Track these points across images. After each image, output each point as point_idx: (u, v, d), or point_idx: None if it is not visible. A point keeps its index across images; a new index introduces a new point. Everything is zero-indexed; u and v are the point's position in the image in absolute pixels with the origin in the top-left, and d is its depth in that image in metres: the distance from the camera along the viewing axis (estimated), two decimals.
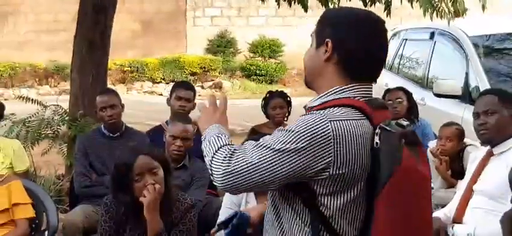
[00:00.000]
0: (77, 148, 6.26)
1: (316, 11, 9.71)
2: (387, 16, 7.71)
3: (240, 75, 21.64)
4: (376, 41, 2.55)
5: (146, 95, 20.04)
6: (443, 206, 4.89)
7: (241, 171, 2.35)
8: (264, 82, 20.94)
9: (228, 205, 4.99)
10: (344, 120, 2.40)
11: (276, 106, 7.04)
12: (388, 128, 2.42)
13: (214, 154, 2.42)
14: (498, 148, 4.52)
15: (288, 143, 2.35)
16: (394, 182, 2.36)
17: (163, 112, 7.42)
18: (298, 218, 2.46)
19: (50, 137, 8.11)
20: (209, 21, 22.81)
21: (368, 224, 2.42)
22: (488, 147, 4.61)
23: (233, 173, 2.35)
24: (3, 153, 5.99)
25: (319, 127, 2.36)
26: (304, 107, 2.59)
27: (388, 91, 7.14)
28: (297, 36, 21.35)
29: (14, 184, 5.20)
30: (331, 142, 2.36)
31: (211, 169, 2.42)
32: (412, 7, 8.03)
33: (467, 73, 7.82)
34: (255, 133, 6.46)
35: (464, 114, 7.06)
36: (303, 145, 2.34)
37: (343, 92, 2.50)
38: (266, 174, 2.34)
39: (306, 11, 8.97)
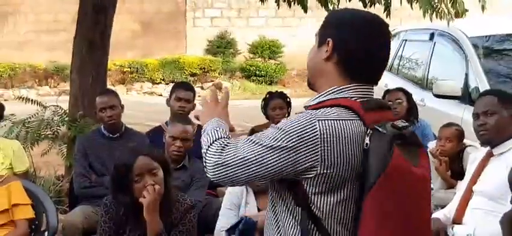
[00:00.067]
0: (76, 149, 6.25)
1: (316, 12, 9.77)
2: (387, 17, 7.71)
3: (240, 75, 21.65)
4: (378, 43, 2.55)
5: (146, 96, 20.05)
6: (442, 207, 4.90)
7: (231, 164, 2.41)
8: (263, 83, 20.95)
9: (227, 206, 5.00)
10: (333, 119, 2.41)
11: (276, 107, 7.04)
12: (380, 129, 2.41)
13: (209, 145, 2.47)
14: (498, 149, 4.52)
15: (277, 140, 2.39)
16: (382, 183, 2.35)
17: (163, 113, 7.42)
18: (291, 216, 2.48)
19: (49, 138, 8.10)
20: (209, 22, 22.82)
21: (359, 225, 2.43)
22: (488, 148, 4.61)
23: (223, 165, 2.41)
24: (3, 154, 6.00)
25: (307, 126, 2.39)
26: (305, 107, 2.60)
27: (387, 92, 7.14)
28: (297, 37, 21.39)
29: (14, 185, 5.20)
30: (318, 142, 2.37)
31: (205, 160, 2.48)
32: (411, 8, 8.04)
33: (466, 74, 7.82)
34: None
35: (464, 115, 7.06)
36: (290, 143, 2.38)
37: (341, 92, 2.50)
38: (254, 169, 2.39)
39: (305, 11, 8.98)
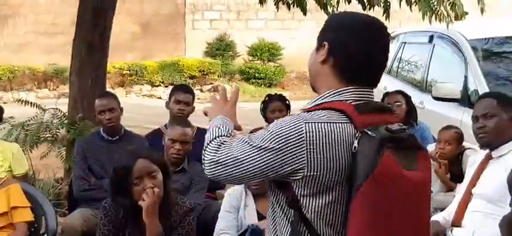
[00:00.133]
0: (75, 152, 6.25)
1: (315, 15, 9.77)
2: (386, 19, 7.70)
3: (239, 78, 21.65)
4: (375, 45, 2.55)
5: (145, 98, 20.04)
6: (442, 209, 4.89)
7: (225, 162, 2.46)
8: (263, 86, 20.95)
9: (226, 209, 4.99)
10: (321, 122, 2.42)
11: (275, 109, 7.03)
12: (369, 132, 2.40)
13: (208, 143, 2.54)
14: (497, 151, 4.52)
15: (265, 141, 2.43)
16: (369, 186, 2.35)
17: (162, 115, 7.42)
18: (285, 217, 2.50)
19: (48, 140, 8.10)
20: (208, 24, 22.83)
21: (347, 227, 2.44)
22: (487, 151, 4.61)
23: (217, 163, 2.48)
24: (2, 156, 6.00)
25: (293, 128, 2.41)
26: (301, 110, 2.61)
27: (386, 94, 7.14)
28: (296, 39, 21.40)
29: (13, 188, 5.19)
30: (303, 144, 2.39)
31: (203, 157, 2.53)
32: (411, 10, 8.04)
33: (466, 77, 7.82)
34: None
35: (463, 118, 7.06)
36: (276, 145, 2.41)
37: (338, 95, 2.51)
38: (244, 169, 2.44)
39: (305, 14, 8.98)
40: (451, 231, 4.53)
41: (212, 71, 21.19)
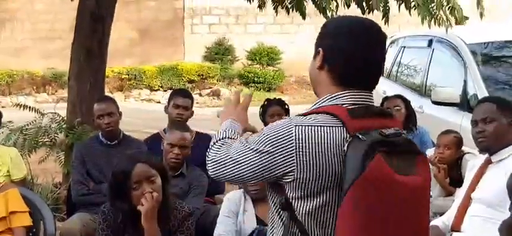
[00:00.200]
0: (74, 156, 6.24)
1: (314, 19, 9.78)
2: (385, 24, 7.71)
3: (238, 82, 21.65)
4: (374, 49, 2.56)
5: (144, 103, 20.04)
6: (441, 214, 4.89)
7: (224, 162, 2.54)
8: (262, 90, 20.95)
9: (225, 213, 4.98)
10: (311, 125, 2.44)
11: (274, 114, 7.01)
12: (360, 136, 2.40)
13: (214, 143, 2.62)
14: (496, 156, 4.52)
15: (259, 144, 2.48)
16: (358, 189, 2.35)
17: (161, 120, 7.41)
18: (279, 218, 2.54)
19: (47, 145, 8.10)
20: (207, 28, 22.83)
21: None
22: (486, 155, 4.61)
23: (217, 162, 2.56)
24: (1, 161, 6.00)
25: (283, 131, 2.45)
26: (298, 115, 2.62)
27: (386, 99, 7.14)
28: (295, 43, 21.41)
29: (11, 192, 5.18)
30: (293, 147, 2.42)
31: (207, 156, 2.61)
32: (410, 15, 8.03)
33: (465, 81, 7.82)
34: None
35: (462, 122, 7.05)
36: (267, 148, 2.46)
37: (334, 99, 2.52)
38: (241, 169, 2.51)
39: (304, 18, 8.98)
40: None
41: (211, 75, 21.19)
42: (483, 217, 4.39)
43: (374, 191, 2.36)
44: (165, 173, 4.40)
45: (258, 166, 2.47)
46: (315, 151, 2.41)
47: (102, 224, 4.37)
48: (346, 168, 2.38)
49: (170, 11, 22.52)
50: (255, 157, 2.47)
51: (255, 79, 21.25)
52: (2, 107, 15.05)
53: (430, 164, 5.64)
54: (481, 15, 7.87)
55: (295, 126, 2.44)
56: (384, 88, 8.93)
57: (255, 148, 2.48)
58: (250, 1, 9.45)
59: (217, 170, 2.56)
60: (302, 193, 2.44)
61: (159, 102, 19.22)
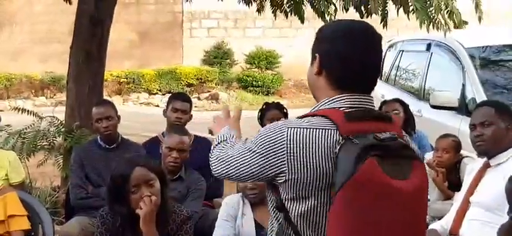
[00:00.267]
0: (72, 160, 6.24)
1: (313, 23, 9.80)
2: (384, 28, 7.72)
3: (237, 86, 21.65)
4: (371, 52, 2.57)
5: (142, 106, 20.02)
6: (440, 218, 4.89)
7: (226, 160, 2.62)
8: (260, 94, 20.95)
9: (224, 217, 4.98)
10: (304, 128, 2.46)
11: (273, 117, 6.99)
12: (353, 140, 2.40)
13: (217, 143, 2.73)
14: (495, 159, 4.52)
15: (253, 144, 2.55)
16: (347, 192, 2.35)
17: (159, 123, 7.41)
18: (275, 218, 2.57)
19: (45, 148, 8.09)
20: (206, 32, 22.83)
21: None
22: (484, 159, 4.61)
23: (219, 160, 2.65)
24: None
25: (276, 133, 2.49)
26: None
27: (384, 102, 7.14)
28: (294, 47, 21.40)
29: (10, 196, 5.19)
30: (284, 148, 2.45)
31: (210, 155, 2.71)
32: (408, 19, 8.04)
33: (463, 85, 7.82)
34: None
35: (460, 126, 7.06)
36: (260, 149, 2.51)
37: (331, 103, 2.53)
38: (239, 168, 2.57)
39: (302, 22, 8.99)
40: None
41: (210, 79, 21.18)
42: (481, 220, 4.39)
43: (366, 195, 2.35)
44: (164, 177, 4.40)
45: (254, 166, 2.52)
46: (306, 153, 2.43)
47: (101, 227, 4.36)
48: (338, 170, 2.38)
49: (169, 14, 22.53)
50: (251, 157, 2.52)
51: (254, 83, 21.24)
52: (1, 111, 15.07)
53: (428, 168, 5.68)
54: (480, 19, 7.87)
55: (288, 127, 2.47)
56: (383, 92, 8.94)
57: (251, 149, 2.54)
58: (249, 5, 9.46)
59: (219, 168, 2.64)
60: (294, 195, 2.45)
61: (157, 106, 19.22)
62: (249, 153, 2.53)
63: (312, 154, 2.42)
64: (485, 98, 7.15)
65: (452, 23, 7.69)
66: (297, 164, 2.43)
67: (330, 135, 2.43)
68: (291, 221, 2.48)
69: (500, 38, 8.66)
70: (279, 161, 2.46)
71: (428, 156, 6.00)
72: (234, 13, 22.63)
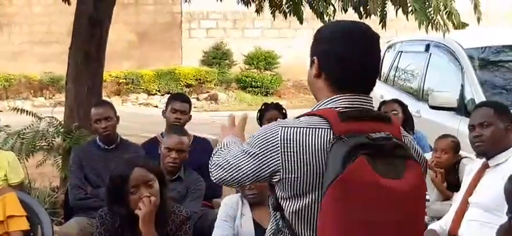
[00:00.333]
0: (71, 160, 6.23)
1: (312, 23, 9.81)
2: (382, 28, 7.72)
3: (236, 87, 21.65)
4: (369, 53, 2.58)
5: (141, 107, 20.03)
6: (438, 218, 4.89)
7: (222, 165, 2.62)
8: (259, 94, 20.96)
9: (223, 218, 4.98)
10: (297, 127, 2.48)
11: (271, 118, 6.98)
12: (344, 139, 2.41)
13: (216, 151, 2.72)
14: (493, 160, 4.52)
15: (249, 146, 2.57)
16: (336, 191, 2.35)
17: (158, 124, 7.41)
18: (274, 219, 2.59)
19: (44, 149, 8.08)
20: (204, 33, 22.83)
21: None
22: (483, 159, 4.61)
23: (216, 165, 2.65)
24: None
25: (270, 133, 2.52)
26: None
27: (383, 103, 7.13)
28: (293, 48, 21.40)
29: (9, 197, 5.18)
30: (278, 148, 2.48)
31: (210, 161, 2.71)
32: (407, 19, 8.04)
33: (462, 86, 7.82)
34: None
35: (459, 126, 7.06)
36: (255, 149, 2.53)
37: (330, 103, 2.54)
38: (236, 171, 2.57)
39: (301, 23, 8.98)
40: None
41: (208, 80, 21.18)
42: (480, 221, 4.39)
43: (356, 194, 2.35)
44: (163, 177, 4.40)
45: (250, 167, 2.53)
46: (299, 152, 2.45)
47: (100, 228, 4.36)
48: (327, 168, 2.40)
49: (168, 15, 22.53)
50: (246, 159, 2.54)
51: (253, 83, 21.25)
52: (0, 111, 15.05)
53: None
54: (479, 20, 7.87)
55: (282, 127, 2.49)
56: (381, 92, 8.94)
57: (246, 150, 2.55)
58: (247, 6, 9.46)
59: (217, 173, 2.64)
60: (289, 193, 2.48)
61: (156, 106, 19.23)
62: (243, 155, 2.55)
63: (306, 152, 2.44)
64: (484, 99, 7.15)
65: (451, 23, 7.69)
66: (291, 163, 2.45)
67: (324, 134, 2.45)
68: (286, 220, 2.50)
69: (499, 38, 8.67)
70: (273, 160, 2.48)
71: (427, 156, 6.00)
72: (232, 14, 22.63)
